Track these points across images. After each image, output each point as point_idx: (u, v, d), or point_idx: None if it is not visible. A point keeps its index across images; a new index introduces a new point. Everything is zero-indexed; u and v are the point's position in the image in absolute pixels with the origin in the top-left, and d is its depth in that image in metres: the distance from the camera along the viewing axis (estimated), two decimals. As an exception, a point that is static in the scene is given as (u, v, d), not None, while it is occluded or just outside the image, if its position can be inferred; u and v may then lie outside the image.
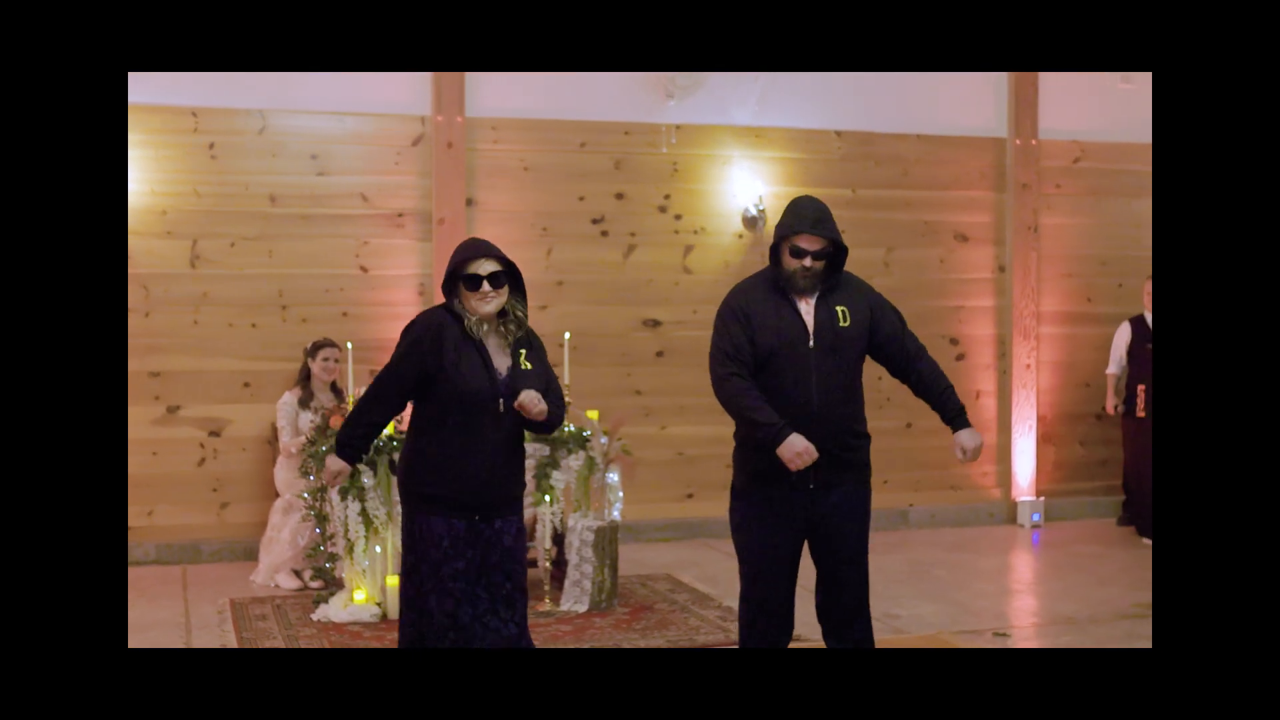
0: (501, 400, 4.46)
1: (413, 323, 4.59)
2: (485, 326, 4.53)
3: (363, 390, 7.34)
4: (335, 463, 4.71)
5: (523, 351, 4.56)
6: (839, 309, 4.74)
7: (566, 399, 7.66)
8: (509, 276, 4.54)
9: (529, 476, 7.18)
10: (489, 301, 4.48)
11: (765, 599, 4.78)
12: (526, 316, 4.61)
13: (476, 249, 4.52)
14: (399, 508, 6.69)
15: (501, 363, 4.53)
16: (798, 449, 4.56)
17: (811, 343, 4.68)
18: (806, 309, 4.72)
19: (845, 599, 4.80)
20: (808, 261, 4.70)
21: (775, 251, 4.80)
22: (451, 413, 4.47)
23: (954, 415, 4.84)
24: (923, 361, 4.86)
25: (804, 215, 4.72)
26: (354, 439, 4.67)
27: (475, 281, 4.46)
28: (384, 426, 4.70)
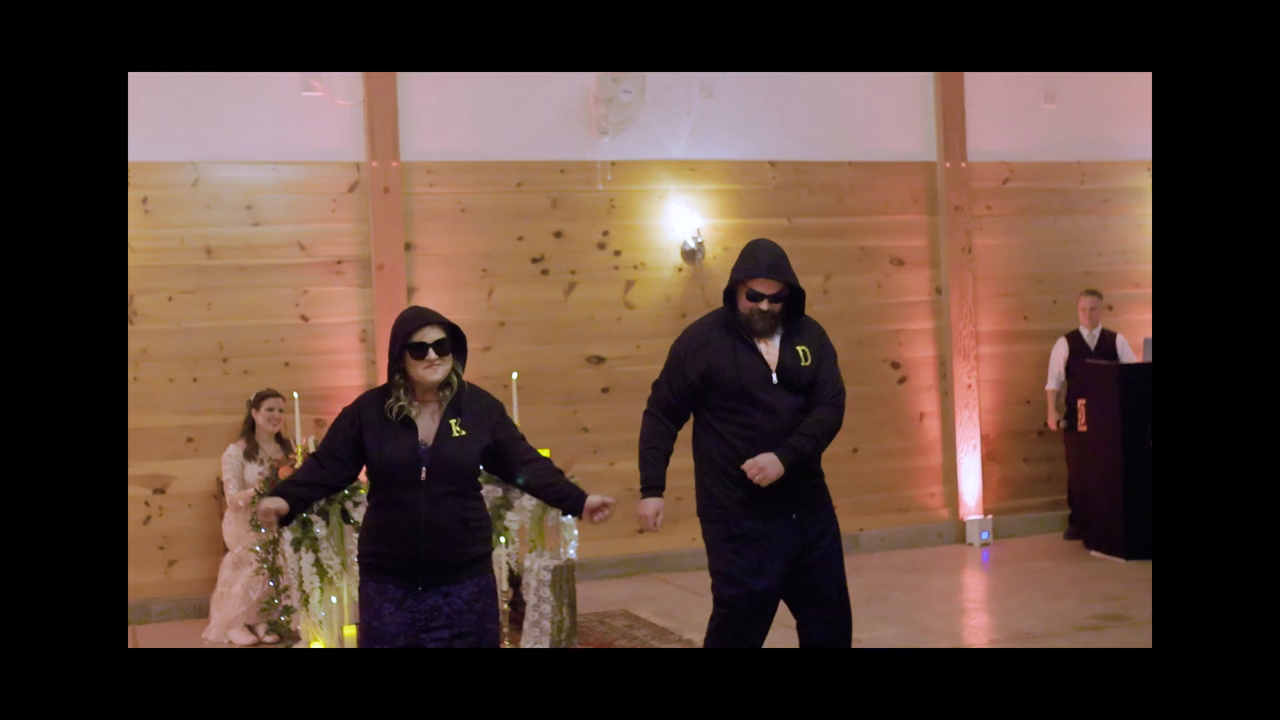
0: (424, 469, 4.46)
1: (343, 410, 4.67)
2: (412, 400, 4.54)
3: (310, 439, 7.32)
4: (270, 500, 4.58)
5: (455, 420, 4.54)
6: (799, 349, 4.87)
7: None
8: (453, 342, 4.58)
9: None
10: (436, 370, 4.50)
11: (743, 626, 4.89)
12: (461, 380, 4.60)
13: (421, 318, 4.55)
14: (352, 557, 6.66)
15: (428, 431, 4.52)
16: (648, 512, 4.92)
17: (775, 379, 4.79)
18: (768, 349, 4.84)
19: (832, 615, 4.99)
20: (764, 305, 4.80)
21: (731, 294, 4.86)
22: (380, 485, 4.54)
23: (783, 446, 4.87)
24: (821, 407, 4.94)
25: (760, 259, 4.82)
26: (287, 486, 4.66)
27: (421, 350, 4.48)
28: (312, 488, 4.66)
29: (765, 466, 4.76)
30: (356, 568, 4.74)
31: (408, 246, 8.81)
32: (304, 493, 4.63)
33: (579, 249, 9.22)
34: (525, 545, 7.31)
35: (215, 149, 8.52)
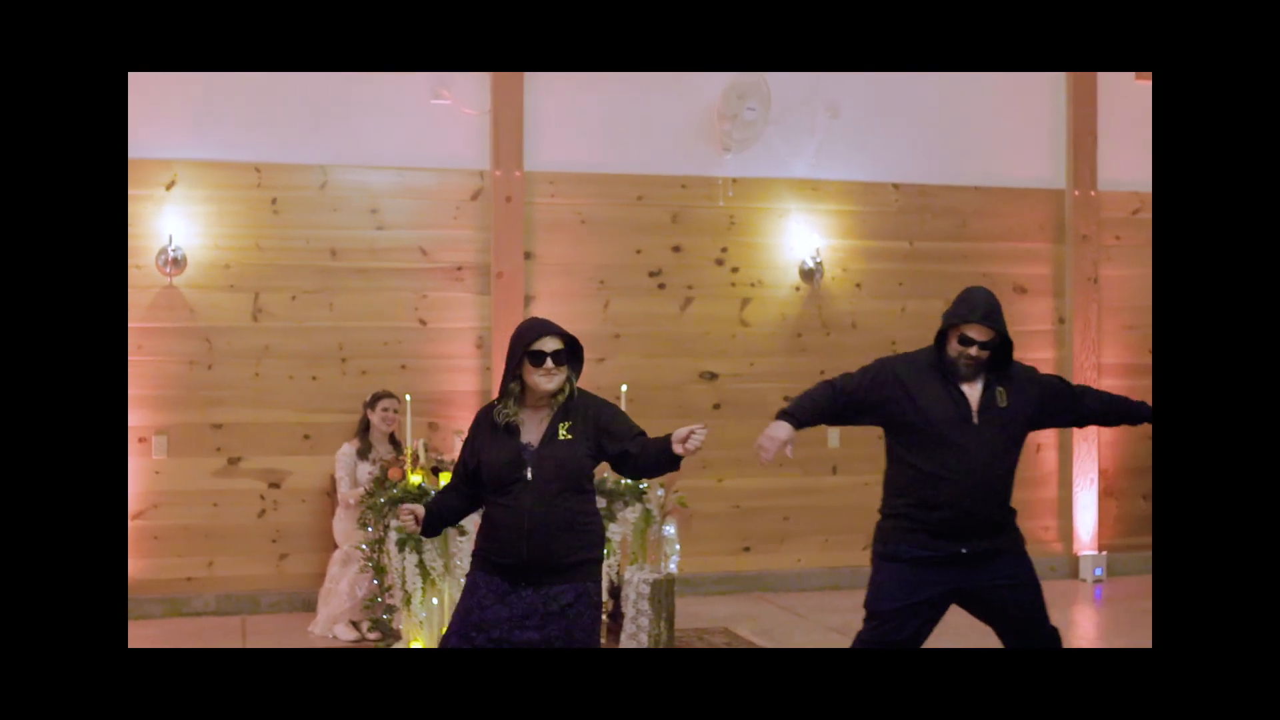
0: (529, 469, 4.59)
1: (475, 419, 4.87)
2: (522, 408, 4.68)
3: (420, 443, 7.43)
4: (414, 505, 4.88)
5: (562, 425, 4.65)
6: (999, 390, 4.96)
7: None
8: (569, 353, 4.68)
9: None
10: (552, 379, 4.63)
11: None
12: (575, 389, 4.73)
13: (542, 328, 4.70)
14: (455, 559, 6.74)
15: (535, 434, 4.66)
16: (778, 434, 4.86)
17: (975, 420, 4.89)
18: (970, 390, 4.93)
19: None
20: (974, 350, 4.86)
21: (942, 336, 4.97)
22: (490, 487, 4.69)
23: (1134, 409, 5.23)
24: (1088, 395, 5.20)
25: (976, 306, 4.91)
26: (429, 504, 4.91)
27: (540, 358, 4.61)
28: (451, 509, 4.91)
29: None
30: (458, 570, 4.85)
31: (527, 255, 8.89)
32: (446, 507, 4.89)
33: (697, 264, 9.23)
34: (626, 557, 7.33)
35: (343, 153, 8.70)
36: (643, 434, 4.73)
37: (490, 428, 4.70)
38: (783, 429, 4.87)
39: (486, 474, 4.66)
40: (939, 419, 4.85)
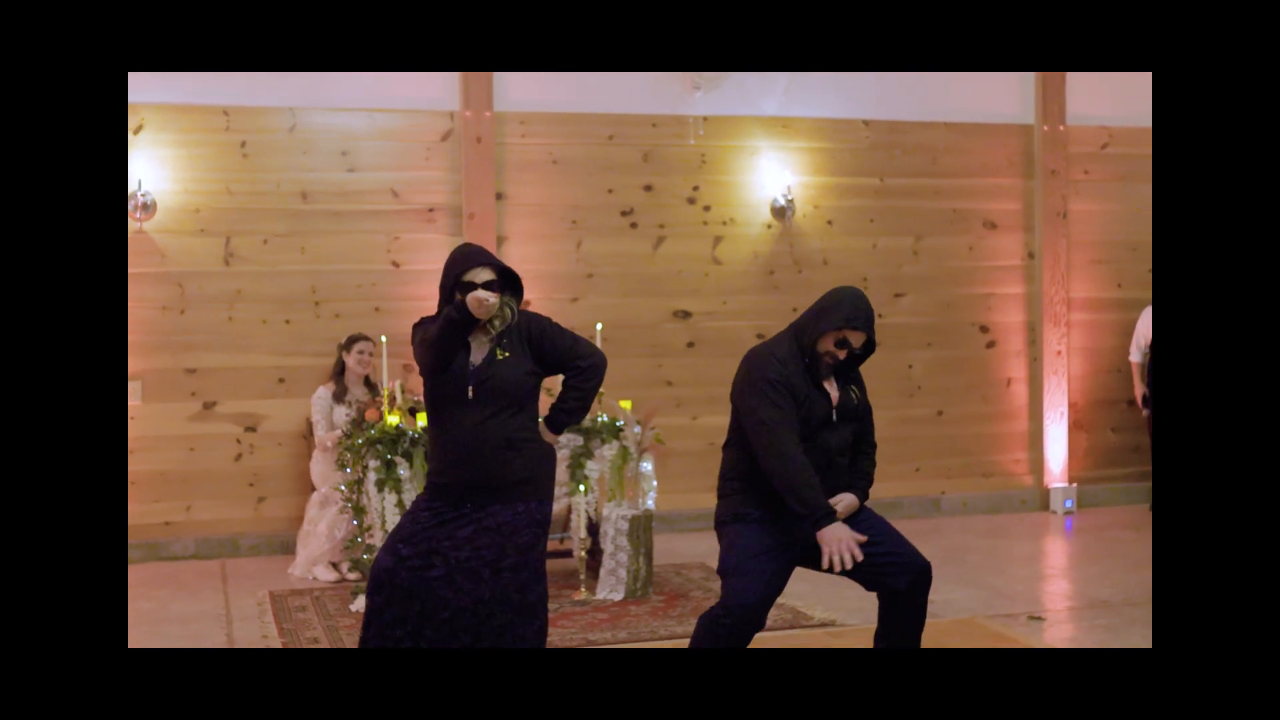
0: (470, 388, 4.63)
1: (418, 323, 4.81)
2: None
3: (396, 384, 7.44)
4: (476, 294, 4.58)
5: (499, 347, 4.70)
6: (851, 389, 4.98)
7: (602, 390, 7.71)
8: (504, 281, 4.68)
9: (562, 467, 7.25)
10: (483, 308, 4.61)
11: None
12: (515, 314, 4.75)
13: (473, 258, 4.66)
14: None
15: (478, 355, 4.69)
16: (847, 536, 4.60)
17: (834, 418, 4.89)
18: (830, 387, 4.92)
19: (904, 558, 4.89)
20: (844, 354, 4.87)
21: (814, 333, 4.85)
22: (434, 405, 4.73)
23: (856, 489, 4.93)
24: (868, 459, 5.06)
25: (861, 310, 4.85)
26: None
27: (470, 289, 4.59)
28: None
29: (843, 511, 4.85)
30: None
31: (499, 196, 8.89)
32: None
33: (669, 203, 9.24)
34: (604, 495, 7.39)
35: (312, 96, 8.65)
36: (582, 360, 4.79)
37: None
38: (843, 529, 4.62)
39: (436, 388, 4.69)
40: (815, 418, 4.81)
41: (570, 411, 4.89)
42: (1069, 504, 9.74)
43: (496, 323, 4.71)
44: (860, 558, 4.61)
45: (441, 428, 4.72)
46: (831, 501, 4.75)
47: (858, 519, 4.88)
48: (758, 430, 4.75)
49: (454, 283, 4.61)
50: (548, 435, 4.90)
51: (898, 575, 4.84)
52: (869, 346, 4.97)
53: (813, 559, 4.82)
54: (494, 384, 4.64)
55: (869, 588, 4.94)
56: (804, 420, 4.80)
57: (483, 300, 4.54)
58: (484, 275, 4.60)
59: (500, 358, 4.67)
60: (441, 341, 4.60)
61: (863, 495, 4.94)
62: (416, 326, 4.80)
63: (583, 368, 4.82)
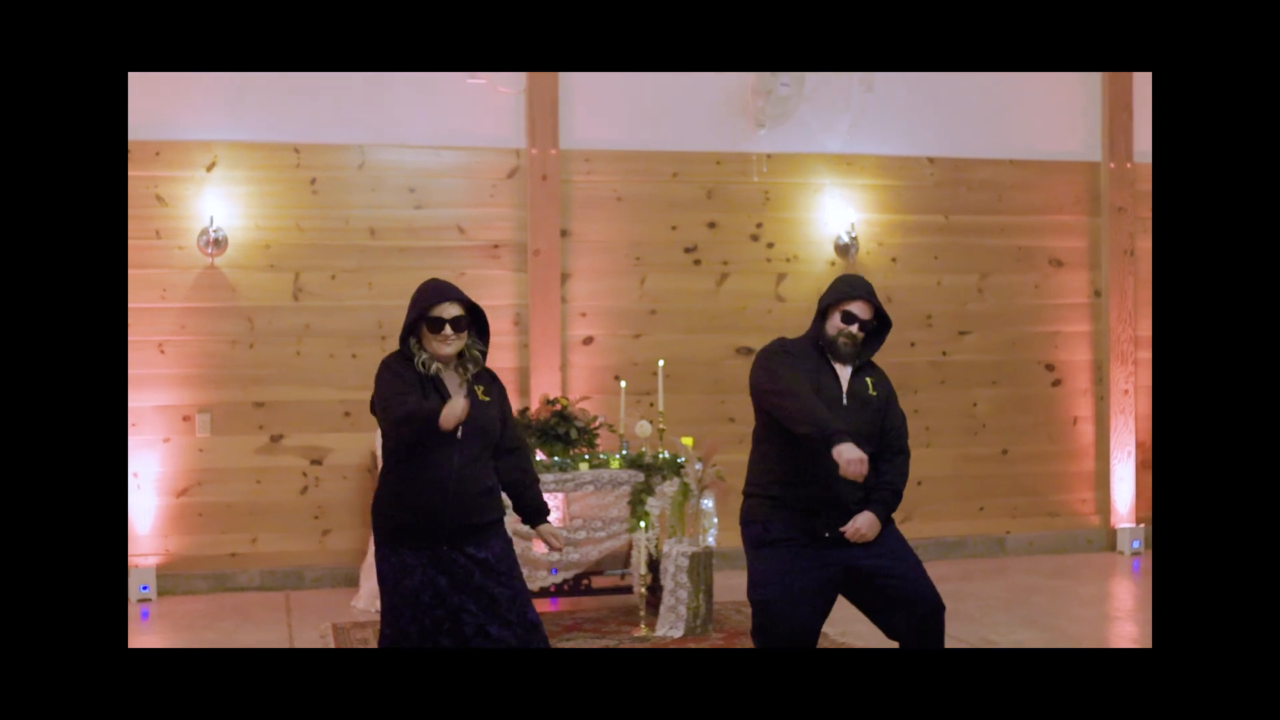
0: (460, 428, 4.54)
1: (384, 362, 4.68)
2: (438, 365, 4.66)
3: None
4: (454, 404, 4.52)
5: (479, 387, 4.69)
6: (868, 379, 4.92)
7: (660, 426, 7.74)
8: (471, 319, 4.69)
9: (623, 503, 7.28)
10: (450, 344, 4.62)
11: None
12: (485, 355, 4.76)
13: (440, 293, 4.66)
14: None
15: (457, 394, 4.60)
16: (853, 455, 4.53)
17: (845, 401, 4.83)
18: (843, 373, 4.89)
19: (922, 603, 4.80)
20: (854, 328, 4.85)
21: (822, 316, 4.92)
22: (410, 442, 4.55)
23: (875, 502, 4.82)
24: (900, 456, 4.93)
25: (857, 284, 4.90)
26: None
27: (438, 324, 4.60)
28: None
29: (863, 528, 4.76)
30: (376, 560, 4.78)
31: (563, 233, 8.96)
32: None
33: (732, 240, 9.27)
34: (665, 531, 7.40)
35: (381, 133, 8.77)
36: (519, 447, 4.83)
37: (418, 380, 4.61)
38: (855, 450, 4.55)
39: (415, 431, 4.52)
40: (825, 399, 4.75)
41: (539, 494, 4.91)
42: (1136, 544, 9.62)
43: (470, 365, 4.71)
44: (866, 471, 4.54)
45: (419, 467, 4.56)
46: (846, 527, 4.71)
47: (877, 545, 4.77)
48: (768, 384, 4.74)
49: (419, 316, 4.61)
50: (545, 530, 4.91)
51: (900, 611, 4.75)
52: (883, 323, 4.93)
53: (837, 584, 4.81)
54: (480, 424, 4.63)
55: (874, 621, 4.90)
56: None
57: (458, 417, 4.44)
58: (452, 310, 4.61)
59: (482, 399, 4.66)
60: (414, 428, 4.48)
61: (883, 508, 4.79)
62: (384, 366, 4.66)
63: (524, 448, 4.88)
